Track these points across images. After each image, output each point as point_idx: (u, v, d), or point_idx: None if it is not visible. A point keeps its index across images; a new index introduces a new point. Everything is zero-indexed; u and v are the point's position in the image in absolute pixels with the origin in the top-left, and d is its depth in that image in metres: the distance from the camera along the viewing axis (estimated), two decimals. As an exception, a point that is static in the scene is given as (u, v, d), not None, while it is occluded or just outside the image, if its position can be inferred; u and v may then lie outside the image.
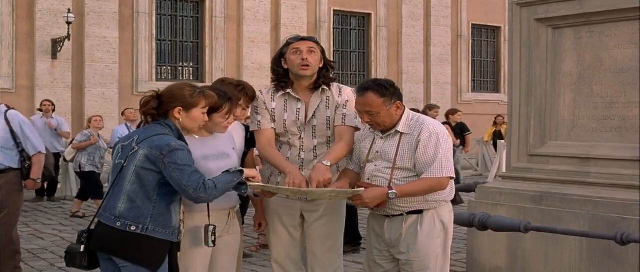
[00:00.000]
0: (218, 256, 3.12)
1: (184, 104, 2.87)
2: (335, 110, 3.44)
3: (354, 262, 5.94)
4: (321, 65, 3.44)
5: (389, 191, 3.08)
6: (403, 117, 3.22)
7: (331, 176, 3.26)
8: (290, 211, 3.44)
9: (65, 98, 12.98)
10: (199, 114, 2.91)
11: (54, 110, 10.47)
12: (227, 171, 2.91)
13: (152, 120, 2.88)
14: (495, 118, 15.94)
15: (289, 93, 3.44)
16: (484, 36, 19.64)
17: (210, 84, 3.60)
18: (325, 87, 3.45)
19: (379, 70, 17.36)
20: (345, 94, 3.49)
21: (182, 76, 15.07)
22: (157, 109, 2.86)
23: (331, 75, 3.50)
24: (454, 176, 3.20)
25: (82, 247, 2.75)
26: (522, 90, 4.94)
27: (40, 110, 10.50)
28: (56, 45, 13.04)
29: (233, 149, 3.20)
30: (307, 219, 3.47)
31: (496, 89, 19.76)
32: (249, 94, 3.45)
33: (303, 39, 3.45)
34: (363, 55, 17.50)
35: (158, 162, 2.72)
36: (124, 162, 2.77)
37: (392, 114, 3.17)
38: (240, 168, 2.99)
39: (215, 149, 3.04)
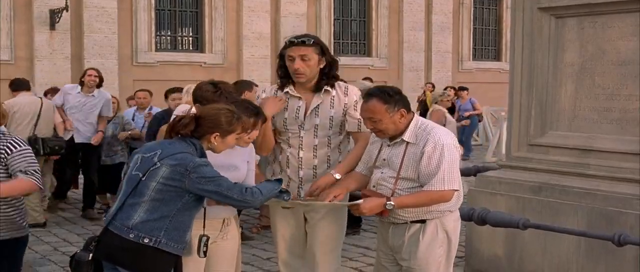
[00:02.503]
0: (214, 263, 3.14)
1: (221, 130, 2.88)
2: (346, 113, 3.43)
3: (353, 245, 6.00)
4: (322, 66, 3.39)
5: (387, 202, 3.10)
6: (410, 125, 3.17)
7: (332, 190, 3.29)
8: (293, 212, 3.48)
9: (64, 69, 12.93)
10: (232, 139, 2.94)
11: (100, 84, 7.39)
12: (268, 180, 2.96)
13: (175, 136, 2.88)
14: (425, 84, 15.46)
15: (288, 92, 3.44)
16: (486, 3, 19.44)
17: (196, 84, 3.60)
18: (327, 88, 3.41)
19: (380, 39, 17.25)
20: (352, 93, 3.46)
21: (182, 46, 14.99)
22: (193, 130, 2.87)
23: (335, 73, 3.44)
24: (458, 188, 3.16)
25: (90, 255, 2.77)
26: (524, 79, 4.92)
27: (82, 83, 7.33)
28: (54, 16, 12.93)
29: (248, 162, 3.21)
30: (309, 220, 3.50)
31: (497, 57, 19.64)
32: (227, 98, 3.49)
33: (297, 43, 3.36)
34: (363, 23, 17.35)
35: (184, 178, 2.72)
36: (143, 177, 2.76)
37: (395, 122, 3.14)
38: (280, 177, 3.06)
39: (227, 160, 3.04)
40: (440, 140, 3.10)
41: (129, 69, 13.68)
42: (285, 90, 3.45)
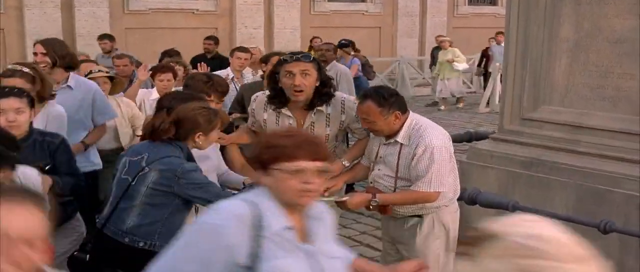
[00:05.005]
0: None
1: (203, 129, 2.90)
2: (345, 128, 3.45)
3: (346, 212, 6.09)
4: (317, 84, 3.34)
5: (372, 199, 3.18)
6: (404, 126, 3.22)
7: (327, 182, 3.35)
8: None
9: (54, 18, 12.72)
10: (215, 135, 2.99)
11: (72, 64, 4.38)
12: (251, 185, 3.01)
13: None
14: (311, 41, 12.47)
15: (279, 111, 3.42)
16: (482, -54, 19.08)
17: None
18: (320, 108, 3.37)
19: (375, -16, 16.96)
20: (349, 110, 3.41)
21: (174, -8, 14.70)
22: (174, 134, 2.88)
23: (329, 91, 3.39)
24: (443, 190, 3.22)
25: (87, 256, 2.83)
26: (518, 51, 4.90)
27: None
28: (43, -39, 12.60)
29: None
30: None
31: (493, 2, 19.40)
32: (219, 90, 3.53)
33: (297, 59, 3.30)
34: (358, -33, 17.03)
35: (172, 183, 2.75)
36: (132, 181, 2.79)
37: (389, 123, 3.18)
38: None
39: (196, 151, 3.07)
40: (431, 143, 3.15)
41: (121, 17, 13.47)
42: (278, 109, 3.42)
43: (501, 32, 13.26)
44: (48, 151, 3.17)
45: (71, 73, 4.16)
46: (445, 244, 3.37)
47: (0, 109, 3.04)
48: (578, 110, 4.60)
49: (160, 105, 3.19)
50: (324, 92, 3.36)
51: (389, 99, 3.16)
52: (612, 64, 4.43)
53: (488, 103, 12.83)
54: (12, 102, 3.07)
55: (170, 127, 2.86)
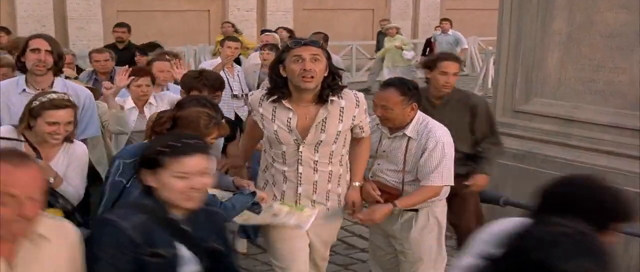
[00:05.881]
0: None
1: (196, 132, 2.83)
2: (353, 120, 3.09)
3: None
4: (326, 74, 2.95)
5: (394, 208, 3.23)
6: (413, 121, 3.27)
7: (360, 199, 3.25)
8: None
9: (46, 0, 12.62)
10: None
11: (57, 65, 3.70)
12: (242, 193, 3.00)
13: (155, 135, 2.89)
14: (222, 25, 10.81)
15: (278, 103, 3.04)
16: None
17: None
18: (334, 98, 2.98)
19: (369, -34, 16.86)
20: (363, 102, 3.11)
21: (166, -26, 14.56)
22: (169, 129, 2.87)
23: (340, 83, 3.05)
24: (452, 183, 3.30)
25: None
26: (511, 43, 4.92)
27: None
28: (33, -58, 12.43)
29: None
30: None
31: (487, -17, 19.31)
32: (207, 84, 3.52)
33: (305, 43, 2.93)
34: (353, -51, 16.89)
35: None
36: (127, 183, 2.78)
37: (405, 114, 3.23)
38: (254, 190, 3.07)
39: None
40: (441, 138, 3.21)
41: (113, 0, 13.36)
42: (278, 101, 3.03)
43: (446, 19, 12.99)
44: (215, 226, 2.30)
45: (57, 77, 3.65)
46: (438, 237, 3.43)
47: (186, 172, 2.11)
48: (570, 104, 4.63)
49: (179, 103, 3.15)
50: (333, 84, 2.98)
51: (412, 91, 3.23)
52: (604, 58, 4.45)
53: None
54: (201, 161, 2.13)
55: (168, 121, 2.87)
